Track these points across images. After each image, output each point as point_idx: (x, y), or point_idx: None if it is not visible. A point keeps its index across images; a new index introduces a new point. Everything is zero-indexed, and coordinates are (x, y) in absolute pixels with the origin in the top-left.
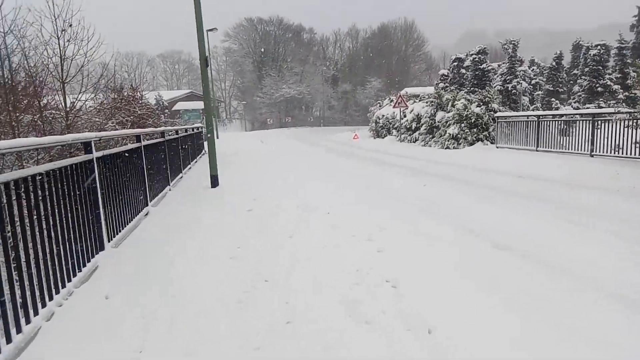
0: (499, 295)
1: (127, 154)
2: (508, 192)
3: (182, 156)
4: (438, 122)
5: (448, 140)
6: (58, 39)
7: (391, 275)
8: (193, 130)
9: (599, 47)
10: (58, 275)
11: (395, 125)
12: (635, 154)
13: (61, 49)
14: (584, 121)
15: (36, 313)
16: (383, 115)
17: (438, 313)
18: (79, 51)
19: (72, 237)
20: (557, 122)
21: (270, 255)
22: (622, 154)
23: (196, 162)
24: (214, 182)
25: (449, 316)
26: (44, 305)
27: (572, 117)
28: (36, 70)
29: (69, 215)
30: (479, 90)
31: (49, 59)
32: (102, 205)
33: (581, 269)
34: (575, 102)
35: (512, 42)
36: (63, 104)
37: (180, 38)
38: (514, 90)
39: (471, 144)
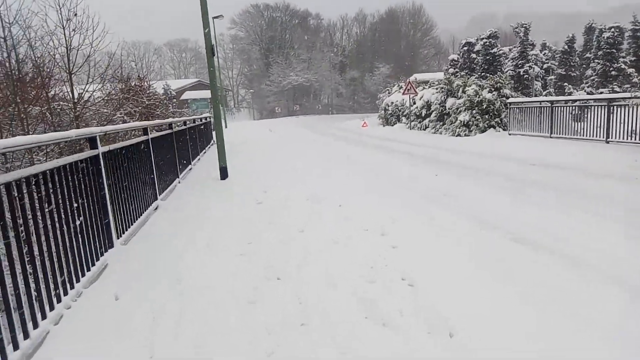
0: (515, 288)
1: (133, 148)
2: (522, 181)
3: (190, 147)
4: (448, 108)
5: (459, 128)
6: (63, 28)
7: (407, 273)
8: (201, 120)
9: (612, 29)
10: (66, 276)
11: (405, 113)
12: None
13: (67, 38)
14: (599, 106)
15: (44, 317)
16: (392, 103)
17: (456, 311)
18: (85, 41)
19: (80, 237)
20: (571, 107)
21: (282, 252)
22: (638, 139)
23: (205, 152)
24: (223, 173)
25: (467, 313)
26: (52, 308)
27: (586, 103)
28: (43, 61)
29: (75, 214)
30: (490, 75)
31: (55, 50)
32: (110, 202)
33: (597, 260)
34: (588, 87)
35: (524, 25)
36: (71, 95)
37: (186, 26)
38: (526, 75)
39: (483, 131)
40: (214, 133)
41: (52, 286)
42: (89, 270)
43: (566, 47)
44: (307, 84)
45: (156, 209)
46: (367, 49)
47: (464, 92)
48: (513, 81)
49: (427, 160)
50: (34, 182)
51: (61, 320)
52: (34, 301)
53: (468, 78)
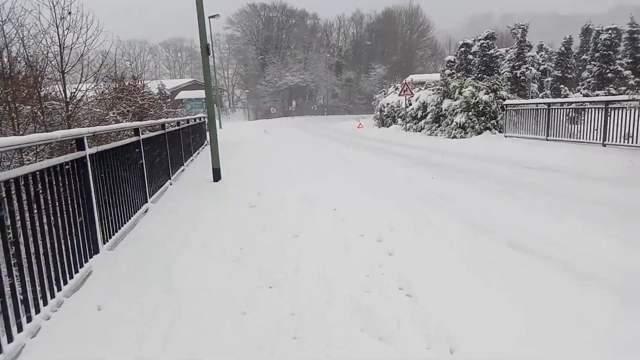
0: (507, 292)
1: (124, 149)
2: (517, 184)
3: (184, 148)
4: (445, 110)
5: (455, 129)
6: (57, 27)
7: (404, 281)
8: (195, 120)
9: (610, 31)
10: (46, 285)
11: (401, 114)
12: None
13: (60, 37)
14: (596, 109)
15: (20, 329)
16: (388, 104)
17: (454, 321)
18: (78, 39)
19: (62, 243)
20: (567, 109)
21: (276, 257)
22: (633, 142)
23: (199, 153)
24: (217, 175)
25: (464, 322)
26: (29, 319)
27: (583, 105)
28: (36, 59)
29: (59, 219)
30: (487, 77)
31: (48, 48)
32: (97, 206)
33: (588, 265)
34: (584, 89)
35: (522, 26)
36: (63, 95)
37: (182, 25)
38: (522, 77)
39: (479, 133)
40: (208, 133)
41: (30, 296)
42: (71, 277)
43: (563, 48)
44: (302, 85)
45: (146, 211)
46: (364, 49)
47: (460, 93)
48: (510, 83)
49: (422, 162)
50: (13, 186)
51: (39, 332)
52: (9, 313)
53: (464, 79)
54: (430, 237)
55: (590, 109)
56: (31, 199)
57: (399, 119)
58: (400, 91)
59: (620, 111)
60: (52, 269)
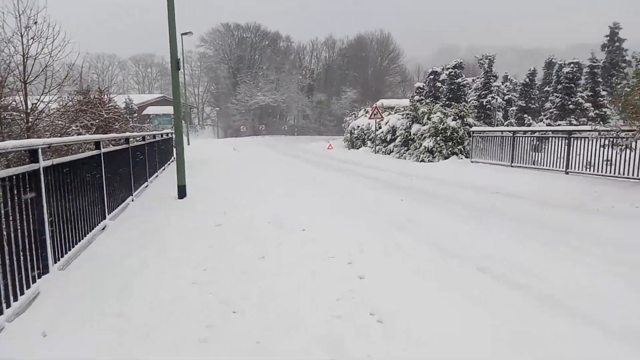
0: (475, 316)
1: (83, 163)
2: (483, 209)
3: (148, 163)
4: (413, 134)
5: (423, 153)
6: (21, 36)
7: (375, 306)
8: (162, 136)
9: (572, 65)
10: None
11: (370, 137)
12: (610, 172)
13: (24, 46)
14: (559, 138)
15: None
16: (358, 126)
17: (427, 352)
18: (43, 50)
19: (7, 262)
20: (530, 138)
21: (240, 280)
22: (594, 171)
23: (164, 169)
24: (182, 192)
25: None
26: None
27: (545, 134)
28: None
29: (4, 235)
30: (455, 104)
31: (11, 57)
32: (49, 222)
33: (550, 290)
34: (547, 119)
35: (488, 57)
36: (24, 105)
37: (153, 40)
38: (488, 105)
39: (446, 158)
40: (175, 149)
41: None
42: (15, 300)
43: (527, 80)
44: (274, 105)
45: (104, 228)
46: (335, 73)
47: (429, 119)
48: (476, 110)
49: (391, 185)
50: None
51: None
52: None
53: (433, 106)
54: (400, 263)
55: (552, 138)
56: None
57: (368, 142)
58: (371, 114)
59: (582, 141)
60: None
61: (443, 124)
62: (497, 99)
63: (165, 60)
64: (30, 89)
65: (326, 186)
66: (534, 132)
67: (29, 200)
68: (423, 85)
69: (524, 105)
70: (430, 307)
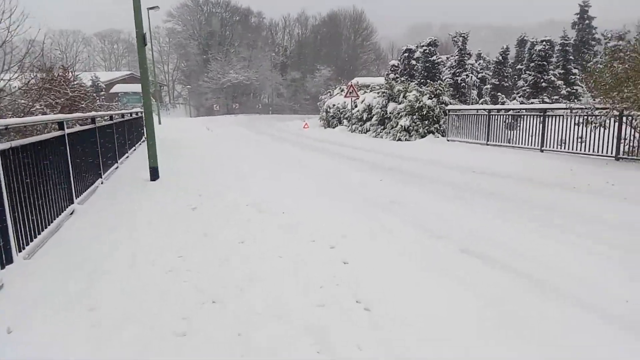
0: (462, 297)
1: (45, 145)
2: (464, 188)
3: (117, 144)
4: (390, 113)
5: (400, 132)
6: None
7: (361, 294)
8: (131, 115)
9: (544, 42)
10: None
11: (347, 115)
12: (583, 150)
13: None
14: (533, 116)
15: None
16: (334, 105)
17: (415, 338)
18: (0, 24)
19: None
20: (508, 116)
21: (220, 268)
22: (568, 149)
23: (135, 149)
24: (154, 174)
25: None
26: None
27: (521, 112)
28: None
29: None
30: (430, 82)
31: None
32: (10, 209)
33: (535, 269)
34: (520, 97)
35: (462, 35)
36: None
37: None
38: (463, 84)
39: (422, 136)
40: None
41: None
42: None
43: (500, 57)
44: (247, 82)
45: (72, 213)
46: (309, 50)
47: (405, 97)
48: (451, 89)
49: (373, 165)
50: None
51: None
52: None
53: (409, 84)
54: (390, 251)
55: (526, 116)
56: None
57: (344, 121)
58: (346, 93)
59: (555, 119)
60: None
61: (419, 103)
62: (471, 76)
63: (132, 37)
64: None
65: (307, 167)
66: (509, 110)
67: None
68: (398, 63)
69: (497, 83)
70: (416, 291)
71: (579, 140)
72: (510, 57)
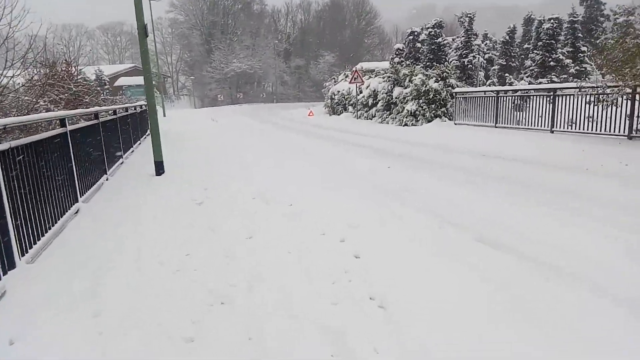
0: (481, 291)
1: (46, 143)
2: (476, 173)
3: (122, 139)
4: (395, 98)
5: (406, 117)
6: None
7: (375, 290)
8: (135, 109)
9: (552, 20)
10: None
11: (352, 102)
12: (594, 130)
13: None
14: (542, 96)
15: None
16: (338, 92)
17: (434, 339)
18: (1, 20)
19: None
20: (516, 97)
21: (227, 266)
22: (578, 129)
23: (140, 144)
24: (159, 169)
25: (449, 342)
26: None
27: (529, 92)
28: None
29: None
30: (436, 64)
31: None
32: (11, 213)
33: (551, 256)
34: (527, 77)
35: (469, 15)
36: None
37: (121, 8)
38: (470, 65)
39: (429, 121)
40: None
41: None
42: None
43: (507, 37)
44: (250, 71)
45: (77, 212)
46: (312, 36)
47: (410, 81)
48: (458, 71)
49: (379, 151)
50: None
51: None
52: None
53: (414, 67)
54: (403, 241)
55: (534, 97)
56: None
57: (349, 107)
58: (351, 79)
59: (565, 98)
60: None
61: (425, 86)
62: (478, 57)
63: (134, 29)
64: None
65: (313, 156)
66: (516, 91)
67: None
68: (402, 47)
69: (505, 63)
70: (433, 286)
71: (589, 119)
72: (517, 37)
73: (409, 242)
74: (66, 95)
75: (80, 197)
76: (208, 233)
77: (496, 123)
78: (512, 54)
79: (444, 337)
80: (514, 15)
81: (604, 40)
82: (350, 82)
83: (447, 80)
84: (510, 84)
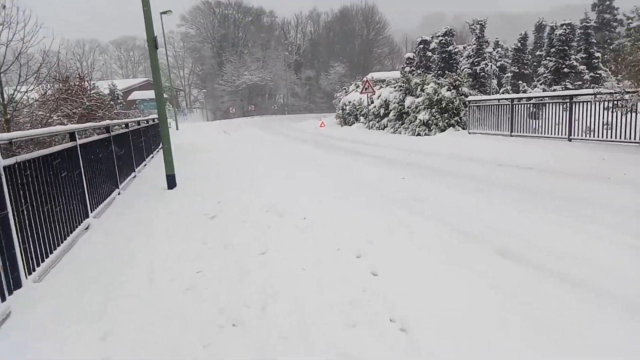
0: (518, 319)
1: (55, 158)
2: (494, 183)
3: (134, 153)
4: (407, 107)
5: (419, 127)
6: None
7: (396, 311)
8: (147, 122)
9: (564, 26)
10: None
11: (363, 112)
12: (612, 137)
13: None
14: (559, 103)
15: None
16: (350, 102)
17: None
18: (15, 36)
19: None
20: (530, 105)
21: (240, 284)
22: (595, 137)
23: (152, 157)
24: (171, 182)
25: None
26: None
27: (544, 100)
28: None
29: None
30: (448, 73)
31: None
32: (17, 230)
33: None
34: (541, 84)
35: (480, 22)
36: (0, 97)
37: (134, 23)
38: (482, 73)
39: (442, 130)
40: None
41: None
42: None
43: (519, 44)
44: (261, 83)
45: (87, 228)
46: (322, 47)
47: (422, 90)
48: (470, 79)
49: (392, 161)
50: None
51: None
52: None
53: (426, 76)
54: (423, 258)
55: (549, 104)
56: None
57: (361, 117)
58: (362, 89)
59: (581, 105)
60: None
61: (438, 95)
62: (491, 65)
63: (146, 43)
64: (5, 79)
65: (325, 167)
66: (530, 98)
67: None
68: (413, 56)
69: (517, 71)
70: (458, 309)
71: (606, 127)
72: (528, 44)
73: (427, 255)
74: (79, 109)
75: (91, 212)
76: (220, 247)
77: (511, 131)
78: (525, 61)
79: (453, 345)
80: (522, 22)
81: (619, 44)
82: (361, 93)
83: (460, 89)
84: (524, 92)
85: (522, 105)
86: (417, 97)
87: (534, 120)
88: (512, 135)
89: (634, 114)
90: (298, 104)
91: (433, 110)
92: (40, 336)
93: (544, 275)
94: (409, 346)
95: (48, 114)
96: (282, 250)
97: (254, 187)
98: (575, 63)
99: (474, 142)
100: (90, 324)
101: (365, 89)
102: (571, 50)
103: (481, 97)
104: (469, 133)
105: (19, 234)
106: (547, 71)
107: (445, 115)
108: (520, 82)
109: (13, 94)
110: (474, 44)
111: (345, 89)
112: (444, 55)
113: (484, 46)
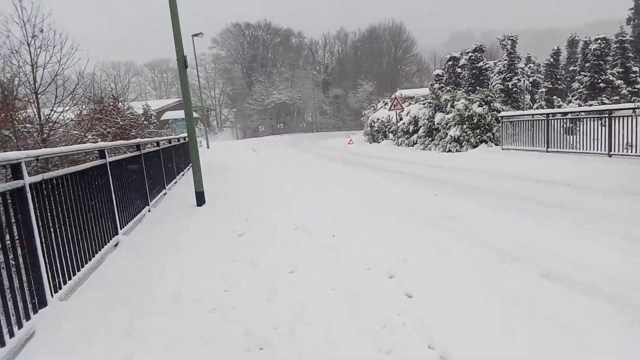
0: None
1: (84, 175)
2: (536, 201)
3: (165, 170)
4: (437, 123)
5: (450, 143)
6: (28, 45)
7: (434, 336)
8: (178, 140)
9: (599, 41)
10: None
11: (392, 129)
12: None
13: (32, 56)
14: (597, 118)
15: None
16: (378, 119)
17: None
18: (52, 58)
19: None
20: (566, 120)
21: (267, 304)
22: (635, 152)
23: (183, 175)
24: (200, 199)
25: None
26: None
27: (580, 115)
28: (10, 81)
29: None
30: (479, 89)
31: (20, 68)
32: (43, 248)
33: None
34: (576, 99)
35: (511, 37)
36: (37, 117)
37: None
38: (515, 89)
39: (474, 146)
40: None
41: None
42: (3, 345)
43: (551, 60)
44: (290, 102)
45: (116, 245)
46: (350, 66)
47: (452, 106)
48: (502, 95)
49: (422, 178)
50: None
51: None
52: None
53: (455, 92)
54: (460, 278)
55: (585, 119)
56: None
57: (390, 134)
58: (391, 106)
59: (620, 120)
60: None
61: (469, 111)
62: (523, 80)
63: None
64: (42, 100)
65: (354, 184)
66: (566, 114)
67: (17, 222)
68: (442, 73)
69: (551, 86)
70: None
71: None
72: (561, 59)
73: (458, 272)
74: (113, 129)
75: (121, 229)
76: (248, 265)
77: (548, 147)
78: (558, 76)
79: None
80: (552, 38)
81: None
82: (389, 110)
83: (492, 105)
84: (559, 107)
85: (558, 121)
86: (447, 113)
87: (571, 136)
88: (548, 151)
89: None
90: (326, 121)
91: (464, 126)
92: (64, 355)
93: (581, 295)
94: None
95: (83, 133)
96: (310, 269)
97: (282, 205)
98: (611, 77)
99: (507, 159)
100: (116, 343)
101: (394, 105)
102: (607, 64)
103: (514, 112)
104: (503, 149)
105: (46, 251)
106: (582, 86)
107: (477, 131)
108: (554, 97)
109: (49, 113)
110: (506, 60)
111: (373, 106)
112: (474, 71)
113: (516, 62)
